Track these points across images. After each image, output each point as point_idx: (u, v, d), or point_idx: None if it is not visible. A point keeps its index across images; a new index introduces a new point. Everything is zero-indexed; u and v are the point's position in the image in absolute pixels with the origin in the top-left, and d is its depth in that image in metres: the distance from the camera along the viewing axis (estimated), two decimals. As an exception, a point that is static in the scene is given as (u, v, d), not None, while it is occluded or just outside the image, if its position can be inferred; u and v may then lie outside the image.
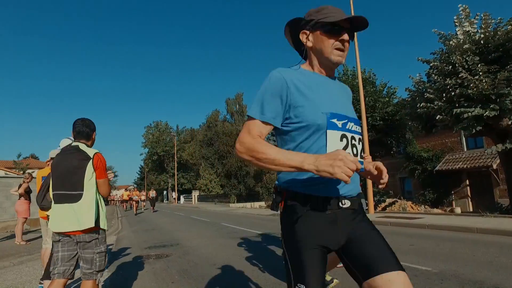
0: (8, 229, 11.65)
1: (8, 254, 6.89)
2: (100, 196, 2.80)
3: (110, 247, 8.07)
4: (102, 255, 2.71)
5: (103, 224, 2.74)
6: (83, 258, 2.66)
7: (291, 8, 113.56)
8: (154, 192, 27.02)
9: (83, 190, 2.65)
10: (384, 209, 15.68)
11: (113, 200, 44.49)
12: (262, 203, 28.15)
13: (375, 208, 14.17)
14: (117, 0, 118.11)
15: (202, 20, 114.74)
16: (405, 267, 1.25)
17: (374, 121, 16.32)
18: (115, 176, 79.12)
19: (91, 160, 2.71)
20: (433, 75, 10.57)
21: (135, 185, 61.62)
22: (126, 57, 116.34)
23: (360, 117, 15.59)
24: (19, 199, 8.58)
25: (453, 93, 9.72)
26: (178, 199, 46.94)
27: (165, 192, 55.01)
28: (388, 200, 17.01)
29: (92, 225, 2.62)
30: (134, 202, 24.48)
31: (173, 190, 47.39)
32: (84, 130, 2.87)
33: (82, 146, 2.80)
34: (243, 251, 6.47)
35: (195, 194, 43.00)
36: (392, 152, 18.93)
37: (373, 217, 11.40)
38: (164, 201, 54.13)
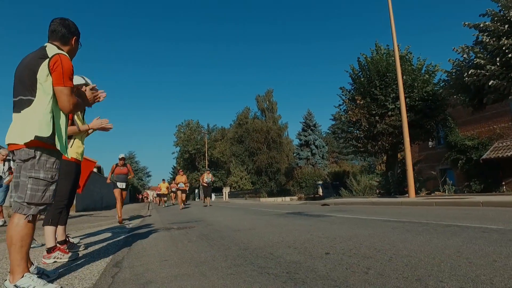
0: None
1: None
2: (59, 110, 2.19)
3: (133, 224, 7.79)
4: (38, 183, 2.08)
5: (52, 143, 2.13)
6: (16, 183, 2.12)
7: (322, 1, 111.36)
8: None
9: (34, 97, 2.09)
10: (428, 194, 14.41)
11: (146, 198, 45.31)
12: (294, 197, 27.38)
13: (416, 193, 12.98)
14: None
15: (231, 17, 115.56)
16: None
17: (413, 101, 15.09)
18: (148, 176, 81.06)
19: (47, 59, 2.11)
20: (484, 38, 9.36)
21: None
22: (157, 57, 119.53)
23: (396, 98, 14.52)
24: None
25: (510, 55, 8.51)
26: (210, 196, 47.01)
27: (196, 191, 55.49)
28: (427, 192, 15.66)
29: (30, 138, 2.03)
30: (178, 192, 18.24)
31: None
32: (60, 30, 2.33)
33: (50, 46, 2.24)
34: (268, 222, 5.87)
35: (226, 190, 42.88)
36: (432, 136, 17.46)
37: (415, 200, 10.36)
38: (196, 199, 54.60)
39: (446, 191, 13.46)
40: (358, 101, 15.93)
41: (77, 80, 3.60)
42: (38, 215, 2.14)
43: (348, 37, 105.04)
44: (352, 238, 3.37)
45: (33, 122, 2.08)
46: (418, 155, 26.27)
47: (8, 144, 2.14)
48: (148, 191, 60.55)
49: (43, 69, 2.10)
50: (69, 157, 3.19)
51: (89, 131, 3.81)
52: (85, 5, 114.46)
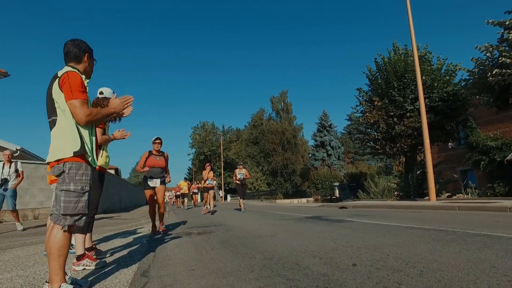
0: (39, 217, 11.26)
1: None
2: (84, 128, 2.30)
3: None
4: (70, 195, 2.20)
5: (81, 156, 2.25)
6: (55, 196, 2.26)
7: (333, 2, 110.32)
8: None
9: (56, 116, 2.24)
10: (448, 197, 14.04)
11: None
12: (310, 199, 27.19)
13: (437, 196, 12.68)
14: (165, 5, 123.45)
15: (246, 20, 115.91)
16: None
17: (432, 102, 14.74)
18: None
19: (57, 79, 2.25)
20: (510, 36, 9.06)
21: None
22: (172, 60, 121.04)
23: (415, 99, 14.23)
24: None
25: (538, 53, 8.21)
26: (225, 198, 47.29)
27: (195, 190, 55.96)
28: (447, 194, 15.25)
29: (60, 156, 2.19)
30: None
31: (220, 189, 47.89)
32: (72, 50, 2.44)
33: (64, 68, 2.39)
34: (288, 227, 5.83)
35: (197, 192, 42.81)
36: (453, 137, 17.01)
37: (436, 203, 10.11)
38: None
39: (469, 194, 13.07)
40: (376, 103, 15.69)
41: (110, 93, 3.70)
42: (74, 225, 2.24)
43: (365, 38, 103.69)
44: (378, 248, 3.32)
45: (60, 140, 2.23)
46: (438, 156, 25.68)
47: (48, 163, 2.30)
48: (167, 193, 61.10)
49: (55, 89, 2.25)
50: (96, 167, 3.27)
51: (111, 139, 3.92)
52: (107, 13, 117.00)
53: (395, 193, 16.98)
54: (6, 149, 13.01)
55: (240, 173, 12.43)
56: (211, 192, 13.15)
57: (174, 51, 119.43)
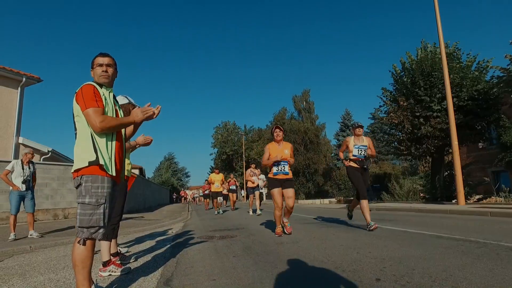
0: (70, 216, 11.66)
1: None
2: (101, 135, 2.35)
3: (176, 230, 8.02)
4: (85, 208, 2.24)
5: (98, 167, 2.28)
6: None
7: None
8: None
9: (76, 129, 2.35)
10: (479, 201, 13.46)
11: (185, 198, 46.20)
12: (332, 199, 26.84)
13: (466, 199, 12.18)
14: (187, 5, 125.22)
15: (266, 17, 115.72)
16: None
17: (461, 101, 14.17)
18: (188, 176, 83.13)
19: (75, 94, 2.37)
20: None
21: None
22: (192, 59, 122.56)
23: (444, 97, 13.70)
24: None
25: None
26: (247, 197, 47.47)
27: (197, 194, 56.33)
28: (477, 196, 14.60)
29: (79, 166, 2.26)
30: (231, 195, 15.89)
31: (242, 188, 48.11)
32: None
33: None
34: (310, 233, 5.78)
35: (264, 191, 42.94)
36: (484, 138, 16.29)
37: (465, 208, 9.71)
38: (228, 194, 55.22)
39: (502, 197, 12.45)
40: (401, 103, 15.26)
41: (121, 100, 3.76)
42: (91, 238, 2.25)
43: (390, 36, 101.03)
44: (403, 261, 3.22)
45: (78, 152, 2.31)
46: (467, 157, 24.67)
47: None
48: (188, 191, 62.08)
49: (74, 104, 2.36)
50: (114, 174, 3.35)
51: (136, 146, 3.99)
52: (122, 14, 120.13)
53: (421, 195, 16.46)
54: (39, 150, 13.67)
55: (255, 174, 12.86)
56: (257, 193, 12.78)
57: (196, 51, 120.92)
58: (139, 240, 6.18)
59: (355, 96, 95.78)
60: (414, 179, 19.16)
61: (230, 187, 15.88)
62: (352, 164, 5.94)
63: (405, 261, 3.20)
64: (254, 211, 12.26)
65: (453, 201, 12.63)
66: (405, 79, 15.83)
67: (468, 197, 13.85)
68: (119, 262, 3.60)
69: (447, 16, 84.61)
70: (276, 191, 5.45)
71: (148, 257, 4.24)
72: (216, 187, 14.58)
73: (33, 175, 7.02)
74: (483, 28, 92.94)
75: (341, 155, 6.28)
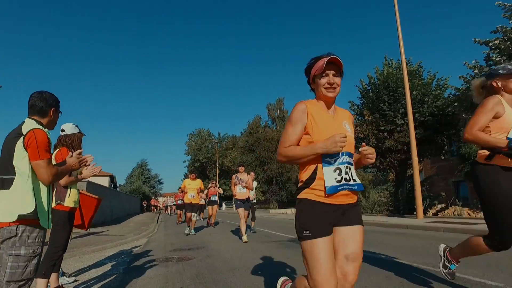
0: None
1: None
2: (42, 184, 2.24)
3: (136, 249, 7.83)
4: (19, 260, 2.10)
5: (35, 218, 2.17)
6: None
7: (334, 9, 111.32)
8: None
9: (14, 174, 2.17)
10: (435, 214, 14.07)
11: (157, 206, 45.08)
12: (303, 209, 27.17)
13: (424, 213, 12.70)
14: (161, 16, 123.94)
15: (241, 26, 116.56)
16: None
17: (422, 116, 14.84)
18: (161, 183, 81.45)
19: (22, 137, 2.19)
20: (494, 57, 9.17)
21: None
22: (167, 64, 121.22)
23: (406, 113, 14.28)
24: None
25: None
26: (220, 205, 47.19)
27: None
28: (440, 205, 15.28)
29: (12, 218, 2.11)
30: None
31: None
32: (37, 104, 2.41)
33: (27, 122, 2.32)
34: (268, 256, 5.81)
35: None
36: (443, 152, 17.11)
37: (422, 222, 10.14)
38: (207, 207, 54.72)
39: (454, 212, 13.10)
40: (366, 117, 15.78)
41: (72, 129, 3.67)
42: None
43: (361, 52, 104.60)
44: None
45: (15, 200, 2.15)
46: (431, 167, 25.77)
47: None
48: (160, 199, 60.59)
49: (19, 147, 2.18)
50: (49, 228, 3.26)
51: (81, 179, 3.86)
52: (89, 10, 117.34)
53: (385, 207, 17.00)
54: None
55: (242, 178, 8.48)
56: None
57: (172, 53, 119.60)
58: (93, 264, 5.97)
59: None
60: (381, 189, 19.77)
61: (211, 198, 13.18)
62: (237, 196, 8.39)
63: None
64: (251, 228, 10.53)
65: (415, 213, 13.15)
66: (371, 94, 16.39)
67: (428, 209, 14.45)
68: (59, 298, 3.46)
69: (409, 35, 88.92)
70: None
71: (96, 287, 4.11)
72: (190, 197, 10.37)
73: None
74: (442, 48, 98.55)
75: None
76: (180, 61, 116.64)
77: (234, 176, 8.73)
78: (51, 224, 2.46)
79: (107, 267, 5.62)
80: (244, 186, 8.40)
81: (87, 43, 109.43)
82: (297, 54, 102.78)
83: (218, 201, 13.46)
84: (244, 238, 7.70)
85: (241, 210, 8.14)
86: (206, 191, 13.18)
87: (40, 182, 2.26)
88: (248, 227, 9.61)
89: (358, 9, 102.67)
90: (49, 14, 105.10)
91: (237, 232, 9.88)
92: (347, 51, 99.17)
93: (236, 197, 8.40)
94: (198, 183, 10.84)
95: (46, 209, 2.31)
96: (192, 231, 10.43)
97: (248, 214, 9.54)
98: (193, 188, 10.53)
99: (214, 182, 13.54)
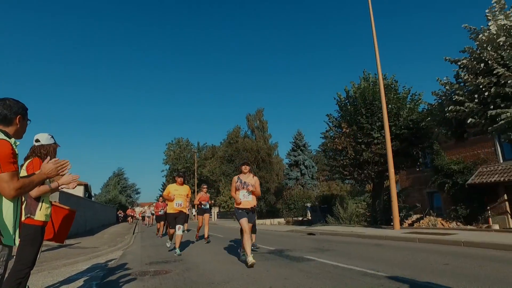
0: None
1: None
2: (6, 200, 2.07)
3: (111, 262, 7.57)
4: None
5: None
6: None
7: (316, 16, 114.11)
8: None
9: None
10: (411, 225, 14.43)
11: (133, 216, 43.79)
12: (282, 220, 27.19)
13: (401, 224, 12.99)
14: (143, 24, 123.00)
15: (221, 35, 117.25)
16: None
17: (398, 130, 15.31)
18: (138, 193, 79.50)
19: None
20: (463, 75, 9.64)
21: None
22: (146, 71, 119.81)
23: (382, 126, 14.70)
24: None
25: (486, 93, 8.76)
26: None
27: (186, 210, 54.88)
28: (415, 216, 15.71)
29: None
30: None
31: (193, 207, 47.14)
32: (1, 112, 2.23)
33: None
34: (245, 270, 5.74)
35: (214, 210, 42.37)
36: (418, 164, 17.65)
37: (399, 233, 10.36)
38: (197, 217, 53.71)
39: (428, 223, 13.52)
40: (344, 129, 16.10)
41: (47, 139, 3.52)
42: None
43: (334, 67, 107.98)
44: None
45: None
46: (407, 178, 26.48)
47: None
48: (137, 209, 58.98)
49: None
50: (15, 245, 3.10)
51: (59, 189, 3.69)
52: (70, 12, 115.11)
53: (363, 217, 17.28)
54: None
55: (246, 181, 6.33)
56: (206, 216, 10.72)
57: (150, 67, 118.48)
58: (64, 280, 5.70)
59: (307, 114, 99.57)
60: (359, 200, 20.09)
61: (202, 206, 11.03)
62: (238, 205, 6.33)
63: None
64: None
65: (392, 223, 13.44)
66: (349, 107, 16.77)
67: (405, 220, 14.80)
68: (26, 318, 3.26)
69: (387, 51, 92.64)
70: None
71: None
72: (177, 205, 8.24)
73: None
74: (416, 63, 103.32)
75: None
76: (159, 66, 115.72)
77: (235, 178, 6.44)
78: (18, 240, 2.31)
79: (79, 282, 5.39)
80: (250, 191, 6.26)
81: (51, 42, 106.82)
82: (278, 66, 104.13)
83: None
84: (250, 259, 5.69)
85: (244, 221, 6.10)
86: (196, 199, 11.36)
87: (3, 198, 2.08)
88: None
89: (337, 24, 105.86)
90: None
91: (232, 249, 8.72)
92: (326, 61, 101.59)
93: (239, 206, 6.25)
94: (186, 189, 8.68)
95: (12, 224, 2.14)
96: (177, 250, 7.91)
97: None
98: (181, 195, 8.31)
99: (205, 186, 11.55)
